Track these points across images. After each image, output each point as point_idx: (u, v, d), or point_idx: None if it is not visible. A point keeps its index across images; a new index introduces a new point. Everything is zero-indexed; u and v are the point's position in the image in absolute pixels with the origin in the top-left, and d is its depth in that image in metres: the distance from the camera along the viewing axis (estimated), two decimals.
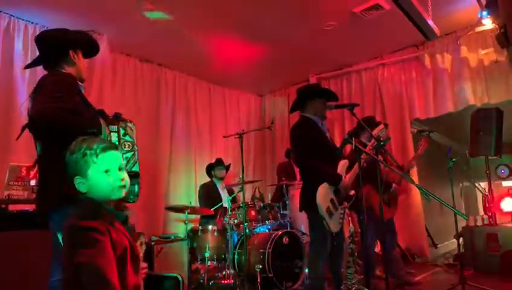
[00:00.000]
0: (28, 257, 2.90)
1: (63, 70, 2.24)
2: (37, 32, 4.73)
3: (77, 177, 1.61)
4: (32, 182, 3.27)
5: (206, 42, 5.58)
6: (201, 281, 4.28)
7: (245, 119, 7.72)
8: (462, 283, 3.74)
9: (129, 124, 2.35)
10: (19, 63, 4.62)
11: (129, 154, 2.31)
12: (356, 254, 3.41)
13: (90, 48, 2.46)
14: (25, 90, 4.57)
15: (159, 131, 6.14)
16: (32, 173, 3.24)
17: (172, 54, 5.90)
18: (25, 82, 4.65)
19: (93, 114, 2.19)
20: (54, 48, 2.27)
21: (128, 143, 2.31)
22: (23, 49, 4.71)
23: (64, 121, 1.96)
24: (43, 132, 2.03)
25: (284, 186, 5.13)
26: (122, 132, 2.33)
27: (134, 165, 2.33)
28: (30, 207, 3.19)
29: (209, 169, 5.72)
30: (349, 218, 3.84)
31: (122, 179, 1.63)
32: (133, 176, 2.32)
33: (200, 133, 6.76)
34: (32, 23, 4.82)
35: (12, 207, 3.18)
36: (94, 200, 1.61)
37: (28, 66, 2.45)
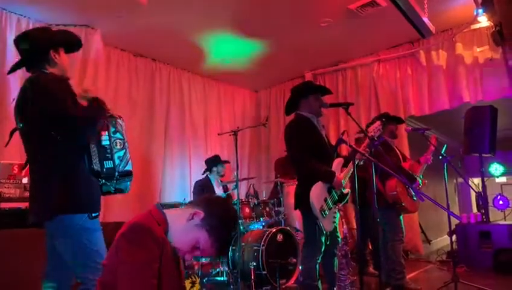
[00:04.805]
0: (19, 255, 2.88)
1: (46, 71, 2.20)
2: (30, 27, 4.71)
3: (200, 214, 1.56)
4: (25, 180, 3.24)
5: (201, 37, 5.54)
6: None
7: (240, 115, 7.69)
8: (454, 280, 3.76)
9: (119, 120, 2.29)
10: (11, 58, 4.56)
11: (121, 153, 2.24)
12: (350, 256, 3.40)
13: (71, 45, 2.41)
14: (17, 86, 4.52)
15: (153, 126, 6.10)
16: (24, 171, 3.20)
17: (167, 48, 5.86)
18: (16, 77, 4.59)
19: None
20: (34, 49, 2.22)
21: (119, 141, 2.25)
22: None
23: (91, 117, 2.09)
24: (79, 130, 2.10)
25: (279, 183, 5.12)
26: (112, 129, 2.27)
27: (127, 164, 2.28)
28: (22, 205, 3.16)
29: (211, 165, 5.51)
30: (343, 220, 3.83)
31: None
32: (126, 174, 2.29)
33: (194, 129, 6.72)
34: (25, 17, 4.76)
35: (4, 205, 3.15)
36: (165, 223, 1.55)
37: (10, 71, 2.38)
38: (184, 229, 1.53)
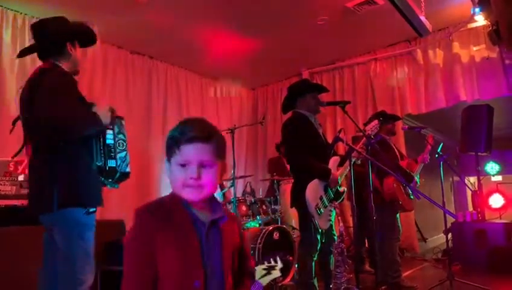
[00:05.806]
0: (16, 253, 2.86)
1: (58, 64, 2.19)
2: (26, 23, 4.69)
3: (166, 159, 1.42)
4: (21, 177, 3.21)
5: (198, 35, 5.52)
6: None
7: (237, 113, 7.68)
8: (450, 278, 3.78)
9: (122, 121, 2.30)
10: (7, 54, 4.55)
11: (123, 154, 2.24)
12: (346, 253, 3.43)
13: (87, 38, 2.39)
14: (14, 82, 4.51)
15: (151, 124, 6.09)
16: (20, 168, 3.18)
17: (164, 46, 5.84)
18: (13, 73, 4.58)
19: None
20: (51, 39, 2.20)
21: (122, 142, 2.26)
22: (12, 40, 4.63)
23: (79, 122, 2.03)
24: (59, 133, 2.01)
25: (275, 181, 5.12)
26: (117, 129, 2.28)
27: (127, 166, 2.28)
28: (18, 202, 3.14)
29: None
30: (339, 218, 3.85)
31: (196, 179, 1.32)
32: (125, 176, 2.29)
33: None
34: (21, 13, 4.74)
35: None
36: (175, 194, 1.40)
37: (21, 55, 2.36)
38: (171, 179, 1.41)
